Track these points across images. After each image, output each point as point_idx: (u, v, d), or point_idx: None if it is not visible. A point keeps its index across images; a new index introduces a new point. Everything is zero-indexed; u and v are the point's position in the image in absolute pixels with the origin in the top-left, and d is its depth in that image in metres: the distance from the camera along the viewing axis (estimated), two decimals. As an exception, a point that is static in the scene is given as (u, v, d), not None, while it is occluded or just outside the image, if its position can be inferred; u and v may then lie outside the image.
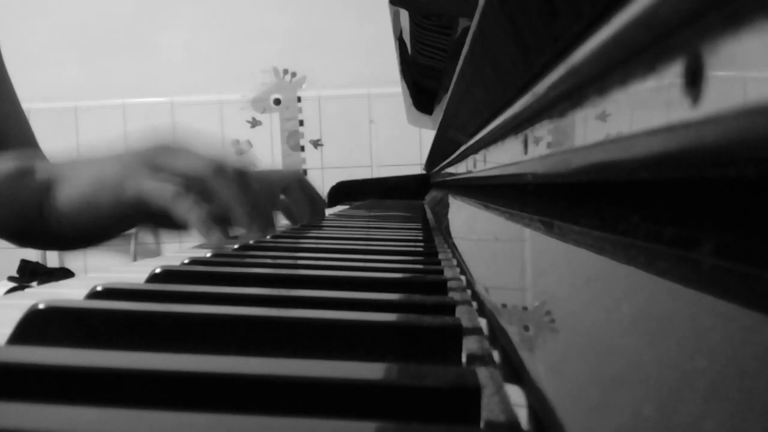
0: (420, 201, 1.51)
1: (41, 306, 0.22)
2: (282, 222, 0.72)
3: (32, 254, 2.68)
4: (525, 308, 0.24)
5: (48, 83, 2.68)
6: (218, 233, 0.56)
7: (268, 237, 0.55)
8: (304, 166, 2.72)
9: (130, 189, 0.58)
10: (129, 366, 0.17)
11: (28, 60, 2.57)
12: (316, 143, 2.74)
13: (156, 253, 2.77)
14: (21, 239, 0.78)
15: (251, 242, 0.51)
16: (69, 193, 0.61)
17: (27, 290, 0.35)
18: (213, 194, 0.58)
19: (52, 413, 0.14)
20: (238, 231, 0.60)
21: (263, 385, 0.16)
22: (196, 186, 0.57)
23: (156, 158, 0.59)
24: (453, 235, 0.56)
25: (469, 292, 0.34)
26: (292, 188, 0.73)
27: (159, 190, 0.56)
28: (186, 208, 0.55)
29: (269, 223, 0.65)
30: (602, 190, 0.20)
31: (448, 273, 0.38)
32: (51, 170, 0.63)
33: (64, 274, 2.58)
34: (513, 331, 0.21)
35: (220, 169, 0.58)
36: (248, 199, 0.60)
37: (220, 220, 0.57)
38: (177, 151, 0.61)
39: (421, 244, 0.54)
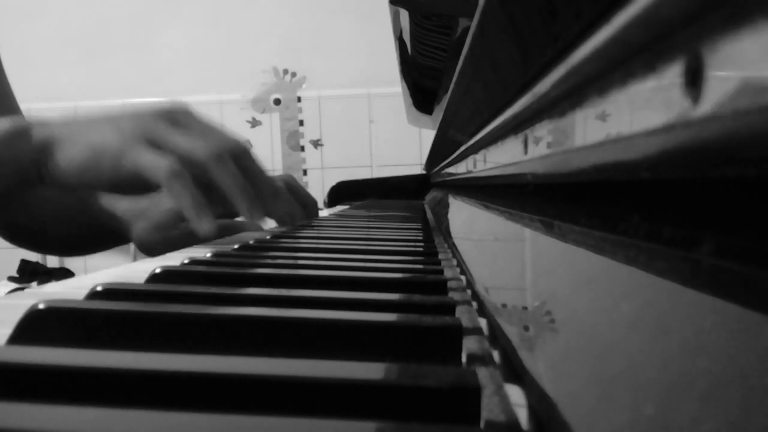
0: (420, 201, 1.51)
1: (41, 306, 0.22)
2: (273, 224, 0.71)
3: (32, 254, 2.68)
4: (525, 308, 0.24)
5: (48, 83, 2.68)
6: (209, 220, 0.54)
7: (267, 237, 0.55)
8: (304, 166, 2.73)
9: (127, 161, 0.56)
10: (129, 366, 0.17)
11: (28, 60, 2.58)
12: (316, 143, 2.74)
13: (156, 253, 2.77)
14: (16, 218, 0.75)
15: (251, 242, 0.51)
16: (68, 157, 0.58)
17: (27, 290, 0.35)
18: (213, 180, 0.56)
19: (52, 413, 0.14)
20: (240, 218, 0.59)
21: (263, 385, 0.16)
22: (195, 167, 0.55)
23: (156, 131, 0.57)
24: (453, 235, 0.56)
25: (469, 292, 0.34)
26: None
27: (155, 166, 0.54)
28: (180, 188, 0.54)
29: (270, 213, 0.63)
30: (602, 190, 0.20)
31: (448, 273, 0.38)
32: (48, 131, 0.60)
33: (64, 274, 2.58)
34: (513, 331, 0.21)
35: (221, 155, 0.56)
36: (250, 186, 0.58)
37: (216, 208, 0.56)
38: (178, 124, 0.59)
39: (421, 244, 0.54)
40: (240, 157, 0.58)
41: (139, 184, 0.57)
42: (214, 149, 0.56)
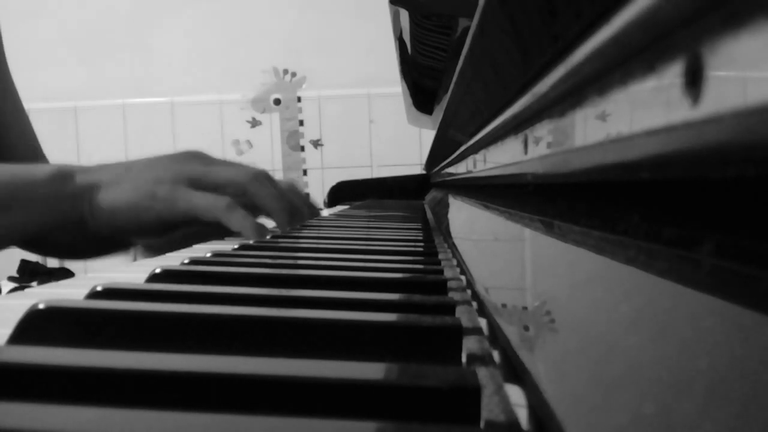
0: (420, 201, 1.51)
1: (41, 306, 0.22)
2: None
3: (32, 254, 2.68)
4: (525, 308, 0.24)
5: (48, 83, 2.68)
6: (263, 232, 0.62)
7: (267, 237, 0.55)
8: (304, 166, 2.72)
9: (181, 203, 0.62)
10: (129, 366, 0.17)
11: (28, 60, 2.57)
12: (316, 143, 2.74)
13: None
14: (53, 247, 0.82)
15: (251, 242, 0.51)
16: (115, 199, 0.64)
17: (27, 290, 0.35)
18: (253, 199, 0.64)
19: (52, 413, 0.14)
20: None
21: (263, 385, 0.16)
22: (239, 194, 0.63)
23: (195, 170, 0.65)
24: (453, 235, 0.56)
25: (469, 292, 0.34)
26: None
27: (212, 206, 0.61)
28: (239, 220, 0.61)
29: (302, 220, 0.72)
30: (602, 190, 0.20)
31: (448, 273, 0.38)
32: (91, 176, 0.65)
33: (64, 274, 2.57)
34: (513, 331, 0.21)
35: (256, 176, 0.66)
36: (285, 201, 0.67)
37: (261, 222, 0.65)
38: (209, 161, 0.67)
39: (421, 244, 0.54)
40: (266, 180, 0.68)
41: (188, 223, 0.64)
42: (248, 172, 0.66)
